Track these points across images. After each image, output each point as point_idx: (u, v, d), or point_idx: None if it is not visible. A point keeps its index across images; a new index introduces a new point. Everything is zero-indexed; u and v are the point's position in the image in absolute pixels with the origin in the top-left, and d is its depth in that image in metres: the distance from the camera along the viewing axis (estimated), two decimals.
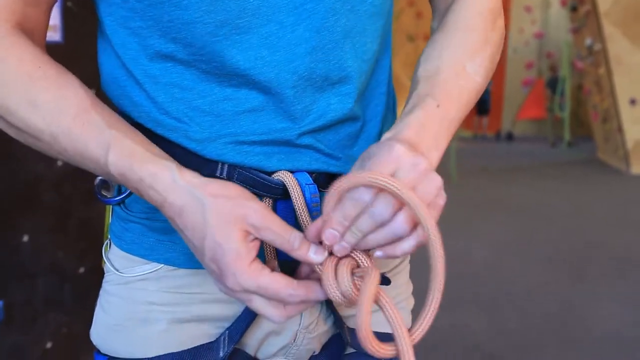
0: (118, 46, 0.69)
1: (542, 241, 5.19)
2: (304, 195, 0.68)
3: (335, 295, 0.59)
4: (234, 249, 0.58)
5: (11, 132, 0.67)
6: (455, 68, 0.71)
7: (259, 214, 0.59)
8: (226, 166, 0.68)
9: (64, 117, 0.62)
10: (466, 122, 16.46)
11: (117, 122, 0.64)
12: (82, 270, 2.12)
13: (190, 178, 0.61)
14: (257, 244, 0.60)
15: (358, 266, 0.61)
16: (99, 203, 0.76)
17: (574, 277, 4.22)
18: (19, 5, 0.66)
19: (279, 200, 0.69)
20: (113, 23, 0.69)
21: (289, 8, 0.65)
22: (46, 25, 0.70)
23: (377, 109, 0.78)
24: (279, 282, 0.59)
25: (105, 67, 0.73)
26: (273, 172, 0.69)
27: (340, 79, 0.70)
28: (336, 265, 0.60)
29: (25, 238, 1.97)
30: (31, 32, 0.67)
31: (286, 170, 0.69)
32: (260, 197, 0.69)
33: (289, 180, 0.68)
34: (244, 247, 0.59)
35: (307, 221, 0.67)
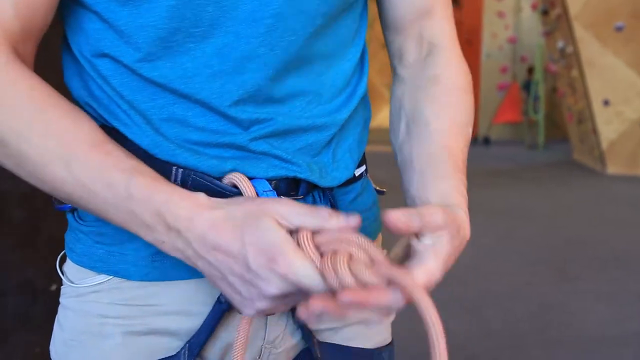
0: (73, 44, 0.69)
1: (522, 242, 5.22)
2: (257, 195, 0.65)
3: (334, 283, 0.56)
4: (277, 235, 0.56)
5: (9, 163, 0.63)
6: (465, 137, 0.74)
7: (281, 203, 0.58)
8: (180, 171, 0.66)
9: (80, 145, 0.61)
10: None
11: (131, 154, 0.62)
12: (54, 287, 2.06)
13: (214, 198, 0.60)
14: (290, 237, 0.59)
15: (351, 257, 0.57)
16: None
17: (556, 276, 4.24)
18: (13, 33, 0.63)
19: None
20: (71, 23, 0.69)
21: (248, 21, 0.64)
22: (33, 57, 0.68)
23: (349, 119, 0.75)
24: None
25: (66, 62, 0.72)
26: None
27: (284, 97, 0.68)
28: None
29: None
30: (24, 61, 0.65)
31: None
32: None
33: (240, 179, 0.65)
34: (285, 232, 0.57)
35: None
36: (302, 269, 0.55)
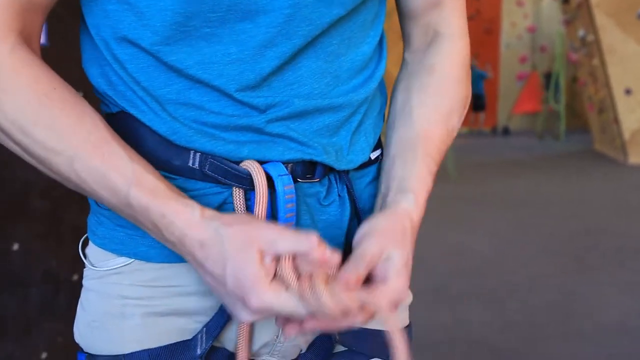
0: (92, 27, 0.69)
1: (542, 233, 5.18)
2: (275, 186, 0.67)
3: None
4: (254, 271, 0.60)
5: (17, 151, 0.65)
6: (447, 125, 0.77)
7: (271, 230, 0.62)
8: (198, 155, 0.67)
9: (83, 144, 0.62)
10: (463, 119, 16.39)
11: (137, 156, 0.64)
12: (76, 277, 2.08)
13: (209, 214, 0.63)
14: (273, 265, 0.61)
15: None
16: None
17: (576, 267, 4.21)
18: (19, 11, 0.64)
19: (252, 191, 0.68)
20: (90, 5, 0.69)
21: (266, 9, 0.64)
22: (41, 31, 0.68)
23: (366, 102, 0.76)
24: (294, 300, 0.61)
25: (85, 46, 0.73)
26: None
27: (302, 80, 0.69)
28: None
29: (16, 246, 1.93)
30: (29, 38, 0.65)
31: (258, 160, 0.68)
32: (231, 187, 0.68)
33: (253, 168, 0.67)
34: (263, 268, 0.60)
35: (261, 213, 0.67)
36: (277, 304, 0.60)
